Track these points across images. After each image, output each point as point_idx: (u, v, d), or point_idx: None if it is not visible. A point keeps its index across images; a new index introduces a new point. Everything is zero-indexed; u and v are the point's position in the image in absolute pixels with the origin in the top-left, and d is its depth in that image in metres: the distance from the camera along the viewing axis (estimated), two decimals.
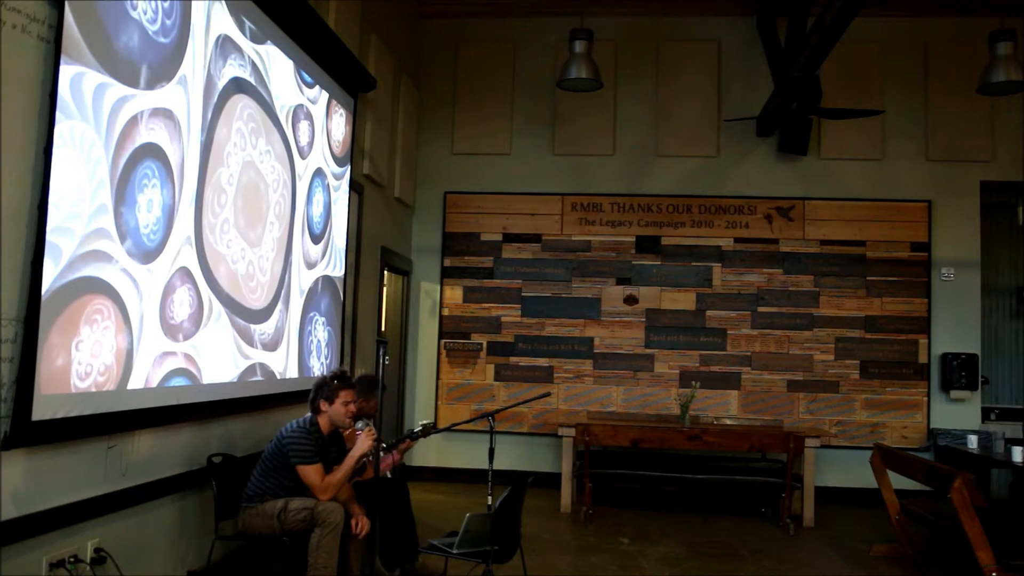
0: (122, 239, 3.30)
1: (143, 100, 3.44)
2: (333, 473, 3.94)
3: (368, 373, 4.70)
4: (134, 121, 3.37)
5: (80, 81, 3.03)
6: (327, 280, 5.85)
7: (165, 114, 3.62)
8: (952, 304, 8.01)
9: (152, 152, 3.52)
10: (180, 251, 3.79)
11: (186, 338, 3.87)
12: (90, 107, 3.09)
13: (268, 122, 4.83)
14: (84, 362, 3.10)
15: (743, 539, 6.20)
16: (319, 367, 5.68)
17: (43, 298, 2.87)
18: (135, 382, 3.44)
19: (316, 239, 5.63)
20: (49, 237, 2.89)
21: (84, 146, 3.07)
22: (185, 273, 3.85)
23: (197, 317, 3.98)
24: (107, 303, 3.22)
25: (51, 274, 2.91)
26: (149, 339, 3.53)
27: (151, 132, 3.51)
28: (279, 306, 5.03)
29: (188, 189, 3.86)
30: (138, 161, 3.41)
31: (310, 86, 5.47)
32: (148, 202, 3.49)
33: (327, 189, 5.83)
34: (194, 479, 4.03)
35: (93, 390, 3.16)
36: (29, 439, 2.85)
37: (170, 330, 3.72)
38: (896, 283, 8.05)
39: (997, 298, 9.46)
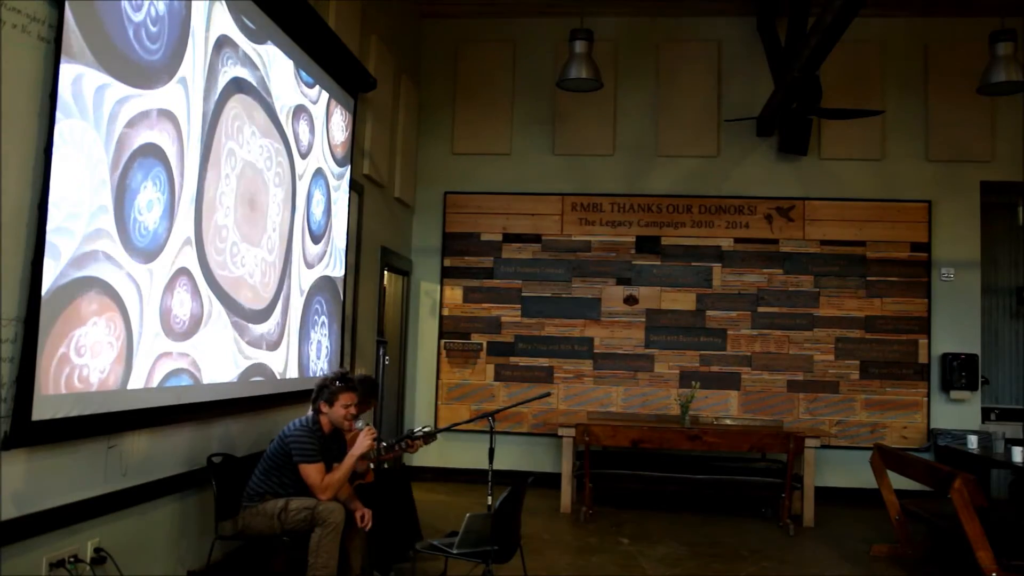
0: (122, 239, 3.30)
1: (143, 100, 3.44)
2: (333, 472, 3.94)
3: (369, 376, 4.62)
4: (134, 121, 3.37)
5: (80, 81, 3.03)
6: (327, 280, 5.85)
7: (165, 114, 3.62)
8: (952, 304, 8.01)
9: (152, 152, 3.52)
10: (180, 251, 3.79)
11: (186, 338, 3.87)
12: (90, 107, 3.09)
13: (268, 122, 4.83)
14: (84, 362, 3.10)
15: (743, 539, 6.20)
16: (319, 367, 5.68)
17: (43, 298, 2.87)
18: (135, 382, 3.44)
19: (316, 239, 5.63)
20: (49, 237, 2.89)
21: (84, 146, 3.07)
22: (185, 273, 3.85)
23: (197, 317, 3.98)
24: (107, 303, 3.22)
25: (51, 274, 2.91)
26: (149, 339, 3.53)
27: (151, 132, 3.51)
28: (279, 306, 5.03)
29: (188, 189, 3.86)
30: (138, 161, 3.41)
31: (310, 86, 5.47)
32: (148, 202, 3.49)
33: (327, 189, 5.83)
34: (194, 479, 4.03)
35: (93, 390, 3.16)
36: (29, 439, 2.85)
37: (170, 330, 3.72)
38: (896, 283, 8.05)
39: (997, 298, 9.46)
